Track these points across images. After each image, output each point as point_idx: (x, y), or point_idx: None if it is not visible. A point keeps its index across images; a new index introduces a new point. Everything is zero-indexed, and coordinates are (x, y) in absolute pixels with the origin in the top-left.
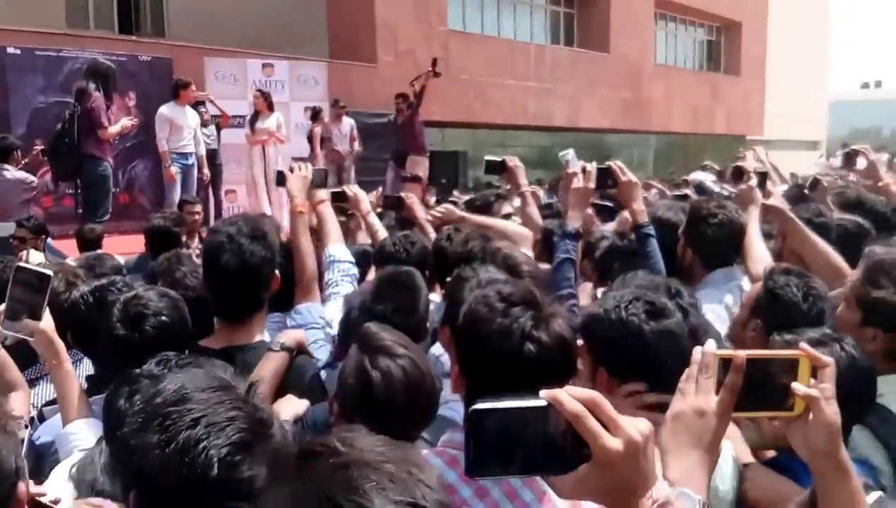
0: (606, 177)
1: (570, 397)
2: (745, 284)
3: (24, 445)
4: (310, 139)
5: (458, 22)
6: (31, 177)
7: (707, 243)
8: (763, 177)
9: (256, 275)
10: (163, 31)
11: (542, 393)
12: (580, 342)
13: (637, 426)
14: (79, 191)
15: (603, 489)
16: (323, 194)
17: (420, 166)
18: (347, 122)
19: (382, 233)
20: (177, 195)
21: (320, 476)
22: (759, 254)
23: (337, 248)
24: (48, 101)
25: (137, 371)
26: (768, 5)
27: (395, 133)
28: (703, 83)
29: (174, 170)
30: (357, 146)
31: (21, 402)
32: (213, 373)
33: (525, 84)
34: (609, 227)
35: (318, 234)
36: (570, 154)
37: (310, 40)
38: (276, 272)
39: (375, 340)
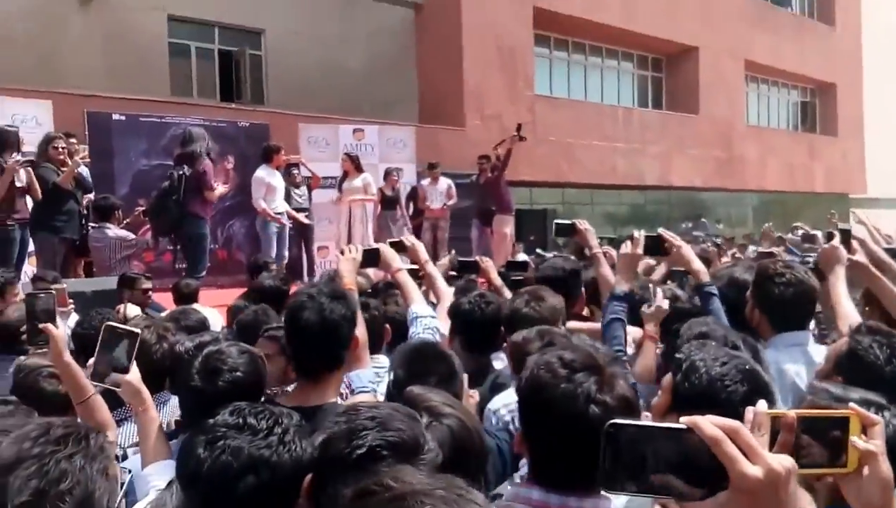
0: (658, 244)
1: (711, 423)
2: (812, 348)
3: (123, 487)
4: (409, 198)
5: (544, 87)
6: (131, 236)
7: (774, 303)
8: (846, 234)
9: (336, 333)
10: (261, 98)
11: (683, 418)
12: (666, 379)
13: (780, 459)
14: (178, 247)
15: None
16: (399, 263)
17: (507, 225)
18: (444, 181)
19: (441, 284)
20: (273, 251)
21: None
22: (847, 311)
23: (419, 306)
24: (150, 164)
25: (212, 421)
26: (862, 65)
27: (477, 193)
28: (799, 143)
29: (273, 229)
30: (452, 202)
31: None
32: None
33: (613, 145)
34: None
35: (402, 295)
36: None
37: (400, 105)
38: (357, 332)
39: (422, 401)
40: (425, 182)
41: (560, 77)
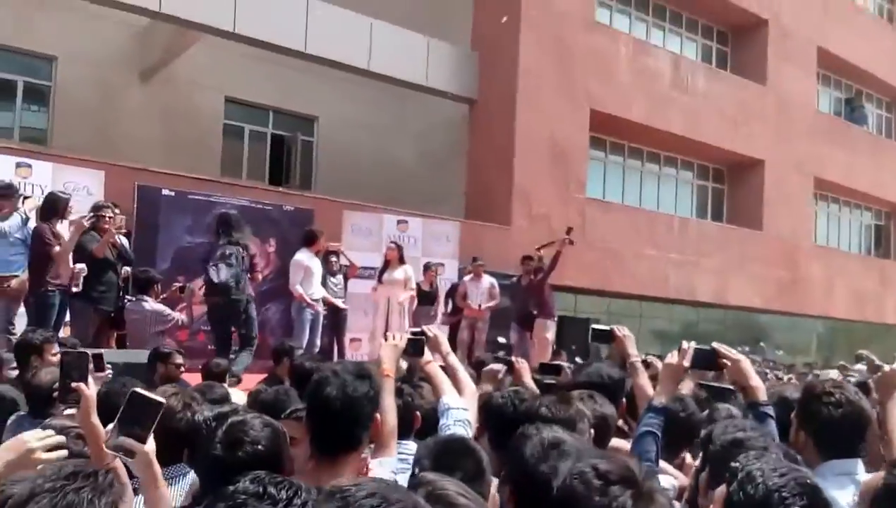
0: (711, 359)
1: None
2: (863, 478)
3: None
4: (449, 294)
5: (597, 190)
6: (168, 311)
7: (821, 426)
8: None
9: (358, 411)
10: (309, 184)
11: None
12: (719, 490)
13: None
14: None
15: None
16: (428, 356)
17: (548, 330)
18: (488, 280)
19: (463, 376)
20: (306, 338)
21: None
22: None
23: (450, 398)
24: (194, 241)
25: (232, 488)
26: None
27: (519, 295)
28: (870, 268)
29: (308, 315)
30: (494, 302)
31: None
32: None
33: (666, 255)
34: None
35: (433, 386)
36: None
37: (446, 199)
38: (378, 415)
39: (436, 489)
40: (467, 278)
41: (614, 181)
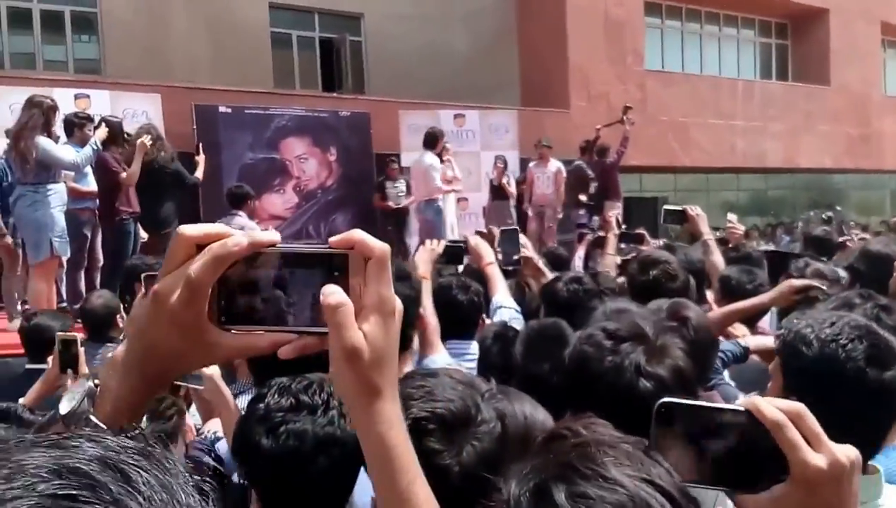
0: (681, 215)
1: (773, 406)
2: None
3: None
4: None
5: (655, 61)
6: (255, 226)
7: None
8: None
9: (401, 313)
10: (362, 85)
11: (742, 400)
12: (774, 360)
13: (845, 449)
14: None
15: None
16: (491, 257)
17: (616, 211)
18: (555, 164)
19: (501, 285)
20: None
21: (563, 451)
22: None
23: (501, 297)
24: (256, 157)
25: (262, 405)
26: None
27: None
28: None
29: (444, 212)
30: (562, 192)
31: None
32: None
33: (731, 123)
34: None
35: (489, 286)
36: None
37: (502, 89)
38: (422, 311)
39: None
40: (532, 164)
41: (673, 49)
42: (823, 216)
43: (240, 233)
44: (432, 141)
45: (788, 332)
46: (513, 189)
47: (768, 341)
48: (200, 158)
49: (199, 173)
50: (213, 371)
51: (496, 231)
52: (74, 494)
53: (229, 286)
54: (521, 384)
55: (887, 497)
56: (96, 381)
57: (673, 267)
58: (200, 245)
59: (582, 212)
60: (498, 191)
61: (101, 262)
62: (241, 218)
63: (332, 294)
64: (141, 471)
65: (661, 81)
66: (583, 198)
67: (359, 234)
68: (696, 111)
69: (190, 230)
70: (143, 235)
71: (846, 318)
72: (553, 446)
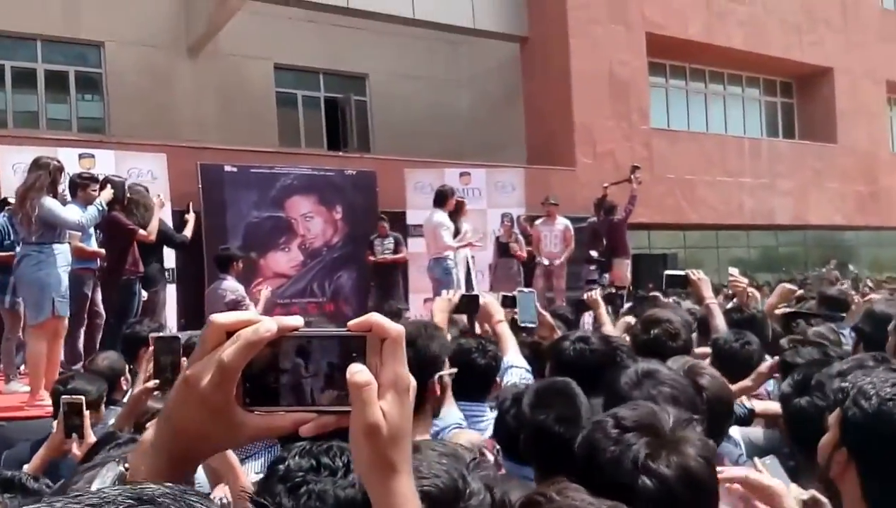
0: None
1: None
2: None
3: None
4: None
5: (661, 120)
6: (241, 289)
7: None
8: None
9: (415, 389)
10: (367, 145)
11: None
12: (833, 414)
13: None
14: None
15: None
16: (500, 315)
17: (625, 268)
18: (562, 222)
19: (512, 344)
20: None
21: None
22: None
23: (512, 357)
24: (261, 216)
25: (282, 467)
26: None
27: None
28: None
29: (453, 270)
30: (569, 249)
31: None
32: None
33: (739, 180)
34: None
35: (499, 345)
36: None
37: (507, 147)
38: (435, 379)
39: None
40: (539, 222)
41: (678, 108)
42: (832, 269)
43: (268, 319)
44: (442, 199)
45: (852, 387)
46: (522, 250)
47: (774, 405)
48: (190, 217)
49: (188, 232)
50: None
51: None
52: None
53: (253, 369)
54: (530, 435)
55: None
56: (126, 466)
57: (675, 326)
58: (230, 332)
59: (593, 267)
60: (504, 249)
61: (103, 319)
62: (229, 281)
63: (360, 372)
64: (202, 504)
65: (667, 139)
66: (594, 253)
67: (375, 317)
68: (703, 169)
69: (221, 318)
70: (145, 295)
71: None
72: None
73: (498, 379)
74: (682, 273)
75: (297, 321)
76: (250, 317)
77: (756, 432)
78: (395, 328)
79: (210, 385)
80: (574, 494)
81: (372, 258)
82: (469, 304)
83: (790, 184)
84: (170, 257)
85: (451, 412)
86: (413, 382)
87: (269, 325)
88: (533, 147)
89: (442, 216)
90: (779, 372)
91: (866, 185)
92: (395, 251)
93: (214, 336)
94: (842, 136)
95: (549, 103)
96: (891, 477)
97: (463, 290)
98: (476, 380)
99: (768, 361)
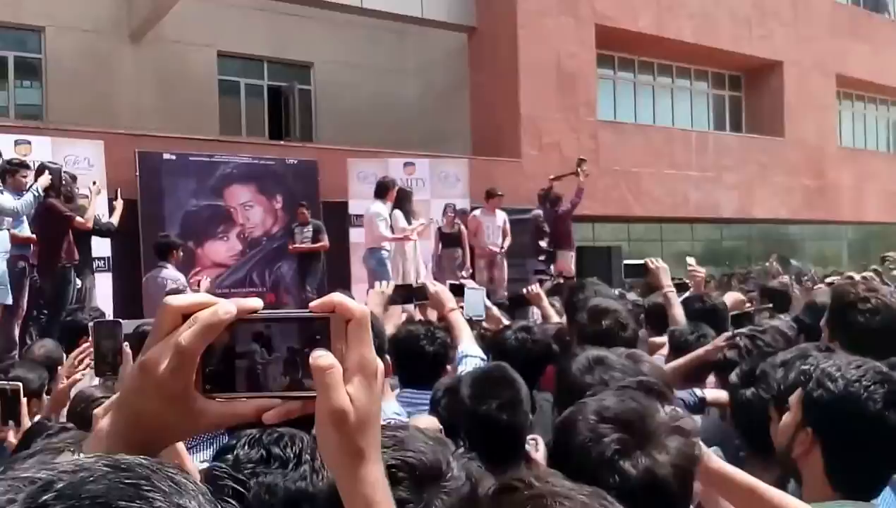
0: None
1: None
2: None
3: None
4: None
5: (608, 112)
6: (182, 278)
7: (856, 334)
8: None
9: (383, 373)
10: (310, 134)
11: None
12: (795, 394)
13: None
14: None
15: None
16: (453, 303)
17: (570, 261)
18: (501, 215)
19: (466, 333)
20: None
21: (517, 504)
22: None
23: (466, 346)
24: (199, 204)
25: (231, 457)
26: None
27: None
28: None
29: (385, 259)
30: (507, 241)
31: None
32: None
33: (685, 173)
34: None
35: (452, 335)
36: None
37: (453, 138)
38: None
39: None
40: (478, 211)
41: (626, 100)
42: (773, 262)
43: (227, 301)
44: (382, 190)
45: (815, 368)
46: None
47: (724, 394)
48: (118, 203)
49: (115, 218)
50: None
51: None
52: (137, 483)
53: (212, 354)
54: (471, 426)
55: None
56: (81, 455)
57: (623, 316)
58: (186, 314)
59: (542, 258)
60: (448, 239)
61: (25, 311)
62: (169, 269)
63: (323, 356)
64: (179, 476)
65: (614, 132)
66: (543, 244)
67: (338, 298)
68: (649, 161)
69: (177, 300)
70: (79, 283)
71: (870, 364)
72: (504, 499)
73: (450, 368)
74: (640, 261)
75: (256, 303)
76: (208, 299)
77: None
78: (360, 309)
79: (167, 370)
80: (554, 480)
81: (292, 246)
82: (405, 295)
83: (736, 177)
84: (104, 246)
85: (389, 405)
86: (381, 365)
87: (228, 307)
88: (478, 138)
89: (380, 207)
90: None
91: (813, 179)
92: (315, 239)
93: (170, 319)
94: (789, 130)
95: (495, 94)
96: (854, 454)
97: (400, 281)
98: (424, 367)
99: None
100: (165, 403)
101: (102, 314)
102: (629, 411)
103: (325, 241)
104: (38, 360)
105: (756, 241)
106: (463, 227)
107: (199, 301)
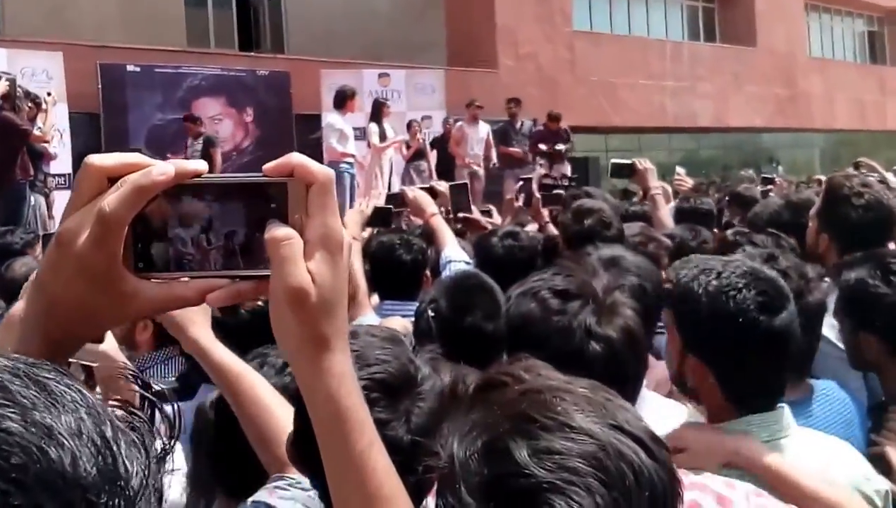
0: (628, 169)
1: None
2: None
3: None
4: (437, 142)
5: (584, 22)
6: None
7: (848, 228)
8: None
9: (350, 247)
10: (282, 46)
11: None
12: (664, 316)
13: None
14: None
15: None
16: (433, 208)
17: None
18: (484, 127)
19: (450, 237)
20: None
21: (510, 401)
22: None
23: (451, 251)
24: (166, 118)
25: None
26: None
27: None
28: (868, 76)
29: (347, 179)
30: (493, 154)
31: None
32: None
33: (661, 83)
34: None
35: (435, 240)
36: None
37: (428, 49)
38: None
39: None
40: (461, 122)
41: (601, 10)
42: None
43: (163, 162)
44: (340, 100)
45: (676, 285)
46: (431, 153)
47: None
48: (50, 106)
49: (41, 122)
50: (108, 344)
51: (442, 187)
52: None
53: (147, 226)
54: (458, 338)
55: (794, 437)
56: None
57: (607, 214)
58: (112, 178)
59: (542, 161)
60: (414, 153)
61: None
62: None
63: (278, 226)
64: (57, 382)
65: (590, 42)
66: (543, 147)
67: (297, 158)
68: (626, 72)
69: (100, 159)
70: (33, 200)
71: (732, 265)
72: (493, 396)
73: (431, 274)
74: (628, 161)
75: (200, 165)
76: (140, 160)
77: None
78: (324, 171)
79: (88, 242)
80: (546, 372)
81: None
82: (383, 217)
83: (710, 87)
84: (65, 162)
85: (369, 318)
86: (348, 238)
87: (164, 168)
88: (454, 48)
89: (334, 118)
90: None
91: (784, 88)
92: (205, 153)
93: (93, 182)
94: (761, 39)
95: (470, 4)
96: (740, 373)
97: (377, 199)
98: (402, 278)
99: None
100: (87, 283)
101: (37, 237)
102: (583, 284)
103: (215, 154)
104: (18, 280)
105: (732, 150)
106: (426, 141)
107: (128, 161)
